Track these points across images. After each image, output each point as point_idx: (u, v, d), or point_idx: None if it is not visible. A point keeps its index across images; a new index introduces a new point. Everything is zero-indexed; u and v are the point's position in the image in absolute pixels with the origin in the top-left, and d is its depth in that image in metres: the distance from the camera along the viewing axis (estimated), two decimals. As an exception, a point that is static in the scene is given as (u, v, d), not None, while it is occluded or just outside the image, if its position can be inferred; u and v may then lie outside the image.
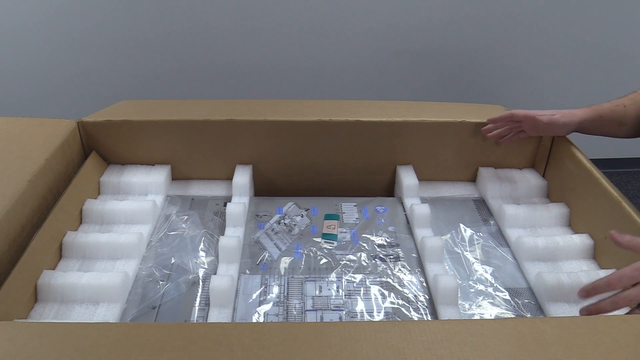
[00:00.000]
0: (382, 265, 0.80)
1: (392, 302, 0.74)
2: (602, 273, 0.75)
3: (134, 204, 0.86)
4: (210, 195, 0.96)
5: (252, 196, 0.97)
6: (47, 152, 0.82)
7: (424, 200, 0.95)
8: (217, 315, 0.70)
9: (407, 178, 0.95)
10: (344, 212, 0.92)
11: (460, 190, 0.99)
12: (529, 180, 0.95)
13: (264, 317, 0.71)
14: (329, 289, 0.76)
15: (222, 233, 0.85)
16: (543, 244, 0.81)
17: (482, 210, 0.94)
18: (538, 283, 0.75)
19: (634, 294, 0.55)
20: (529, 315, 0.73)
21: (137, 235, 0.80)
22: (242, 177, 0.94)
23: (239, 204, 0.87)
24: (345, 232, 0.87)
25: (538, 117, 0.88)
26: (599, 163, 0.90)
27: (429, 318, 0.71)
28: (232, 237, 0.80)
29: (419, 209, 0.87)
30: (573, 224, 0.88)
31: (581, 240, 0.82)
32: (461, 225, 0.89)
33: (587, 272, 0.76)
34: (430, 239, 0.81)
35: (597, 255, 0.82)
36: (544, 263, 0.80)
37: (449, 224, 0.90)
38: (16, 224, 0.72)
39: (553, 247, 0.81)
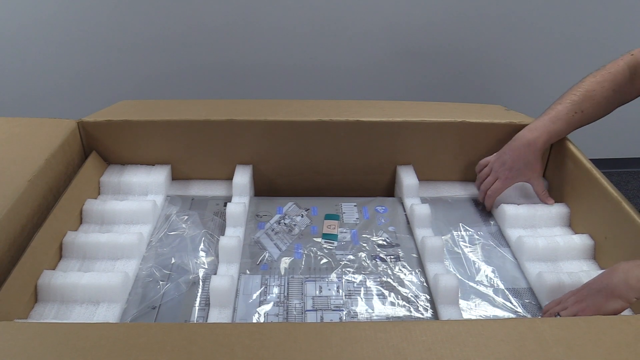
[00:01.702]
0: (383, 265, 0.80)
1: (392, 302, 0.74)
2: None
3: (134, 204, 0.86)
4: (211, 195, 0.96)
5: (252, 196, 0.97)
6: (47, 152, 0.82)
7: (424, 200, 0.95)
8: (218, 315, 0.70)
9: (407, 178, 0.95)
10: (344, 212, 0.92)
11: (460, 190, 0.99)
12: None
13: (264, 317, 0.71)
14: (329, 289, 0.76)
15: (223, 233, 0.85)
16: (543, 244, 0.81)
17: (482, 211, 0.94)
18: (539, 283, 0.75)
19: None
20: (529, 316, 0.73)
21: (137, 235, 0.80)
22: (242, 177, 0.94)
23: (239, 204, 0.87)
24: (345, 232, 0.87)
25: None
26: (599, 163, 0.90)
27: (430, 318, 0.71)
28: (232, 237, 0.80)
29: (419, 209, 0.87)
30: (573, 225, 0.88)
31: (581, 241, 0.82)
32: (461, 225, 0.89)
33: (588, 273, 0.76)
34: (430, 238, 0.81)
35: (597, 256, 0.82)
36: (544, 263, 0.80)
37: (449, 224, 0.90)
38: (16, 224, 0.72)
39: (553, 247, 0.81)
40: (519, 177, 0.88)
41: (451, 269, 0.80)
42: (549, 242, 0.81)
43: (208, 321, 0.69)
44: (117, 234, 0.80)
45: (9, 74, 1.64)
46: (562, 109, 0.86)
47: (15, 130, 0.88)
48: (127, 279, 0.73)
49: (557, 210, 0.89)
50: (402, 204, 0.94)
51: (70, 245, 0.78)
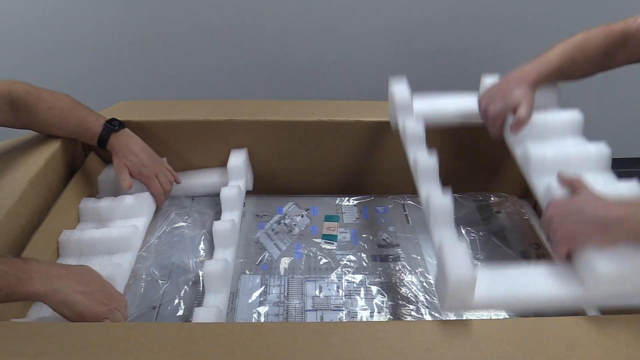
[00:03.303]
0: (383, 265, 0.80)
1: (392, 302, 0.74)
2: None
3: (132, 198, 0.86)
4: (211, 194, 0.96)
5: (249, 179, 0.95)
6: (47, 152, 0.82)
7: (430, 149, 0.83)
8: (213, 300, 0.70)
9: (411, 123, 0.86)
10: (344, 212, 0.92)
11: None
12: None
13: (264, 317, 0.71)
14: (329, 289, 0.76)
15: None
16: (552, 154, 0.74)
17: (483, 210, 0.94)
18: (548, 198, 0.67)
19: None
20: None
21: (132, 227, 0.79)
22: (237, 160, 0.92)
23: (233, 187, 0.86)
24: (345, 232, 0.87)
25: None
26: (599, 163, 0.89)
27: (429, 318, 0.71)
28: (227, 220, 0.79)
29: (423, 158, 0.77)
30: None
31: (597, 150, 0.75)
32: (462, 225, 0.89)
33: (604, 185, 0.66)
34: (436, 198, 0.69)
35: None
36: (553, 175, 0.70)
37: (449, 224, 0.90)
38: (16, 224, 0.72)
39: (565, 157, 0.73)
40: (509, 107, 0.80)
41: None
42: (559, 152, 0.74)
43: (203, 305, 0.69)
44: (111, 228, 0.80)
45: (9, 74, 1.64)
46: (553, 55, 0.83)
47: (15, 130, 0.88)
48: (121, 270, 0.73)
49: (569, 116, 0.82)
50: (403, 203, 0.94)
51: (66, 243, 0.78)
